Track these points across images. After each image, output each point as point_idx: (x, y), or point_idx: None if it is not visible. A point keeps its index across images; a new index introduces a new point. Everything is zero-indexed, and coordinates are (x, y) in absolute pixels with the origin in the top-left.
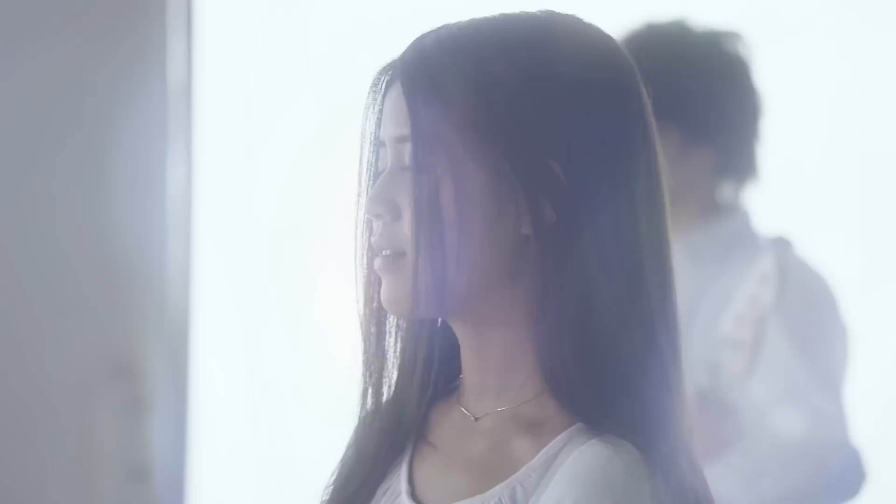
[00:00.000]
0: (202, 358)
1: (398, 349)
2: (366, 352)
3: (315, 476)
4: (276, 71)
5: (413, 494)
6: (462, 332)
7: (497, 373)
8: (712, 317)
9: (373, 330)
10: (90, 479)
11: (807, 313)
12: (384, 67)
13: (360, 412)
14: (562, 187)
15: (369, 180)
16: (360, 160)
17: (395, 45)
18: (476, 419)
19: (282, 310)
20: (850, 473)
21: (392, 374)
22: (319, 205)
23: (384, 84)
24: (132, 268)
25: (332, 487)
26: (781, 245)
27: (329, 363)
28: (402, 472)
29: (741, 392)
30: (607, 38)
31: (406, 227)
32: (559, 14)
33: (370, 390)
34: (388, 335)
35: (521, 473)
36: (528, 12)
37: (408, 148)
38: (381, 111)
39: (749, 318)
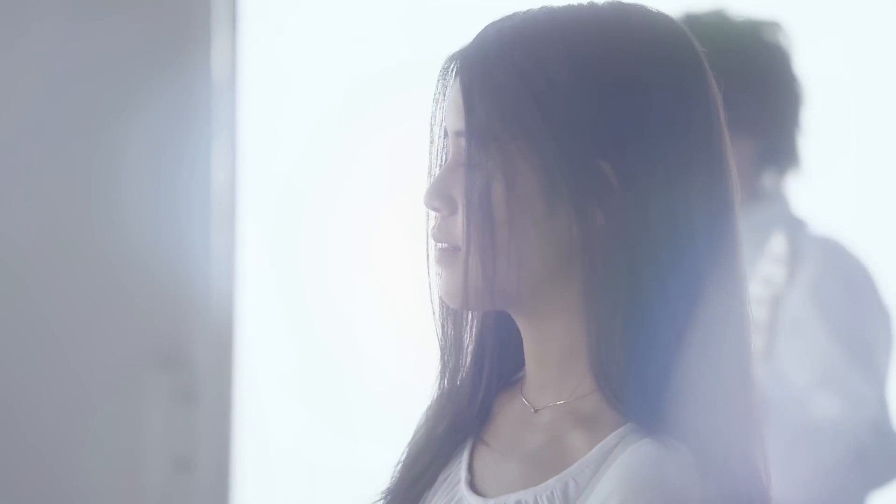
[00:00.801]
0: (248, 350)
1: (474, 335)
2: (443, 336)
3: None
4: (319, 65)
5: (471, 483)
6: (522, 325)
7: (556, 366)
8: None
9: (449, 315)
10: (136, 469)
11: (842, 295)
12: (453, 54)
13: (436, 394)
14: (612, 189)
15: (435, 169)
16: (429, 148)
17: (437, 38)
18: (536, 411)
19: (326, 301)
20: (887, 458)
21: (466, 360)
22: (364, 196)
23: (452, 71)
24: (178, 260)
25: (400, 465)
26: (794, 224)
27: (374, 355)
28: (463, 459)
29: (766, 374)
30: (676, 30)
31: (460, 222)
32: (626, 6)
33: (447, 374)
34: (465, 320)
35: (575, 468)
36: (594, 4)
37: (464, 141)
38: (447, 99)
39: (763, 298)
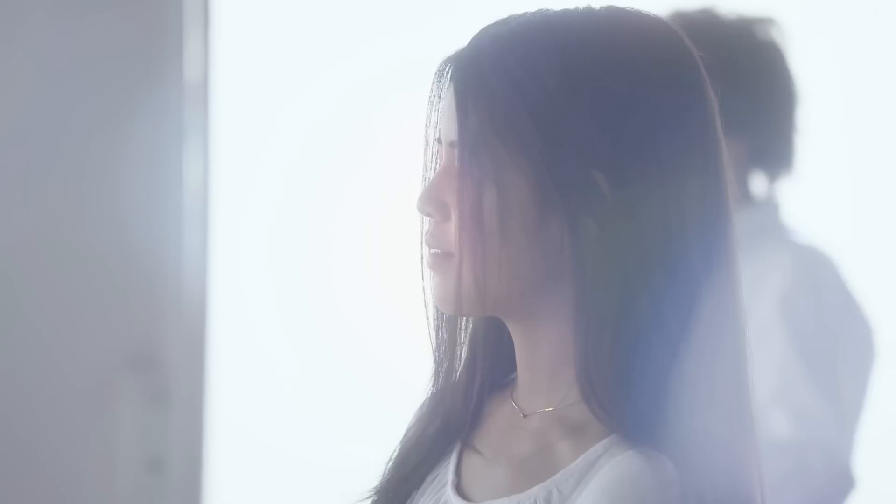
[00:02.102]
0: (220, 351)
1: (467, 337)
2: (436, 338)
3: (330, 469)
4: (293, 66)
5: (458, 486)
6: (514, 331)
7: (546, 373)
8: None
9: (443, 318)
10: (109, 470)
11: (808, 309)
12: (448, 58)
13: (428, 395)
14: (605, 199)
15: (428, 174)
16: (423, 152)
17: (415, 42)
18: (525, 416)
19: (298, 302)
20: (834, 478)
21: (459, 362)
22: (336, 198)
23: (447, 75)
24: (150, 262)
25: (391, 464)
26: (778, 231)
27: (347, 355)
28: (452, 462)
29: None
30: (672, 36)
31: (453, 229)
32: (621, 11)
33: (440, 376)
34: (458, 323)
35: (559, 477)
36: (590, 8)
37: (457, 149)
38: (440, 105)
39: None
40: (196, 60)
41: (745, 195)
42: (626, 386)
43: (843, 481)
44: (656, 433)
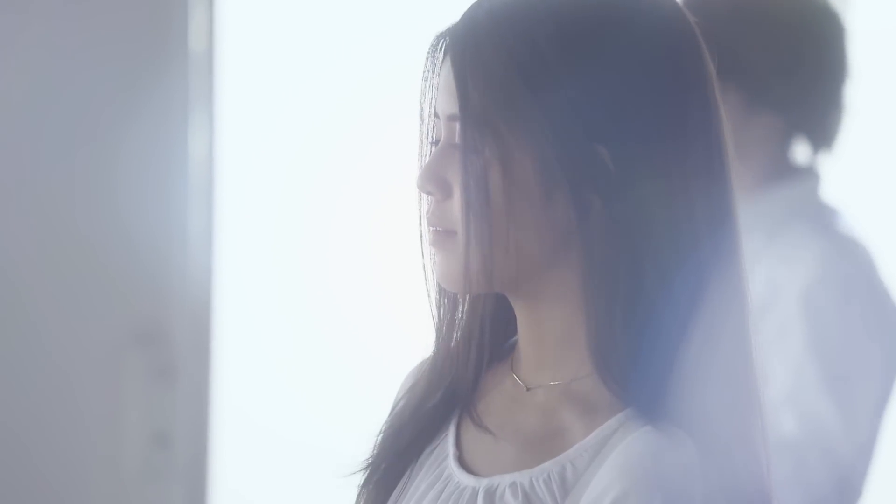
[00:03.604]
0: (226, 326)
1: (468, 312)
2: (438, 314)
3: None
4: (297, 37)
5: (460, 459)
6: (518, 306)
7: (552, 348)
8: (757, 296)
9: (444, 295)
10: (115, 445)
11: (836, 310)
12: (442, 32)
13: (426, 368)
14: (609, 173)
15: (426, 152)
16: (420, 130)
17: (424, 19)
18: (528, 389)
19: (305, 276)
20: (837, 484)
21: (461, 335)
22: (345, 172)
23: (441, 50)
24: (156, 236)
25: (382, 437)
26: (819, 213)
27: (353, 331)
28: (450, 434)
29: None
30: (668, 6)
31: (456, 206)
32: None
33: (441, 349)
34: (459, 299)
35: (573, 452)
36: None
37: (458, 126)
38: (437, 80)
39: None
40: (201, 31)
41: (782, 170)
42: (640, 360)
43: (846, 488)
44: (671, 407)
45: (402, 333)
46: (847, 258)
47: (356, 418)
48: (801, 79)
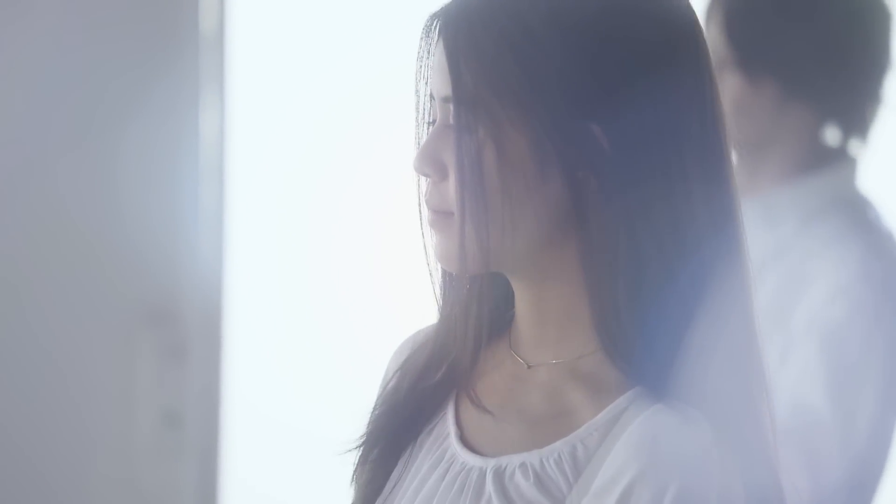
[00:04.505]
0: (237, 305)
1: (469, 291)
2: (441, 294)
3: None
4: (309, 16)
5: (462, 438)
6: (517, 285)
7: (554, 326)
8: (779, 288)
9: (445, 275)
10: (126, 424)
11: (871, 308)
12: (436, 13)
13: (428, 348)
14: (603, 152)
15: (422, 133)
16: (415, 111)
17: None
18: (529, 367)
19: (316, 257)
20: (849, 475)
21: (462, 315)
22: (355, 155)
23: (435, 30)
24: (167, 215)
25: (379, 412)
26: (853, 204)
27: (362, 311)
28: (449, 413)
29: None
30: None
31: (452, 187)
32: None
33: (446, 327)
34: (460, 278)
35: (583, 431)
36: None
37: (452, 107)
38: (431, 61)
39: (781, 291)
40: (211, 13)
41: (816, 159)
42: (646, 336)
43: (858, 481)
44: (679, 386)
45: (411, 314)
46: (885, 254)
47: (367, 397)
48: (845, 73)
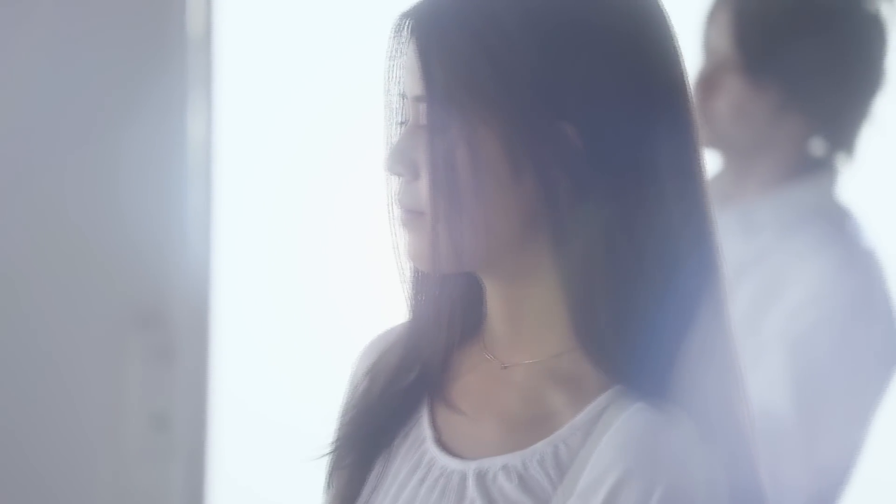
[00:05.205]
0: (225, 308)
1: (441, 292)
2: (413, 295)
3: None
4: (296, 18)
5: (439, 442)
6: (490, 285)
7: (528, 326)
8: (755, 295)
9: (417, 275)
10: (114, 427)
11: (839, 331)
12: (406, 12)
13: (399, 350)
14: (576, 152)
15: (393, 133)
16: (386, 111)
17: None
18: (504, 368)
19: (303, 259)
20: (812, 485)
21: (434, 316)
22: (344, 155)
23: (406, 29)
24: (155, 218)
25: (352, 416)
26: (829, 215)
27: (350, 313)
28: (424, 416)
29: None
30: None
31: (424, 187)
32: None
33: (416, 330)
34: (432, 278)
35: (565, 431)
36: None
37: (424, 107)
38: (402, 60)
39: (756, 299)
40: (199, 17)
41: (800, 170)
42: (624, 335)
43: (821, 490)
44: (659, 384)
45: (398, 317)
46: (857, 266)
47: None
48: (844, 89)
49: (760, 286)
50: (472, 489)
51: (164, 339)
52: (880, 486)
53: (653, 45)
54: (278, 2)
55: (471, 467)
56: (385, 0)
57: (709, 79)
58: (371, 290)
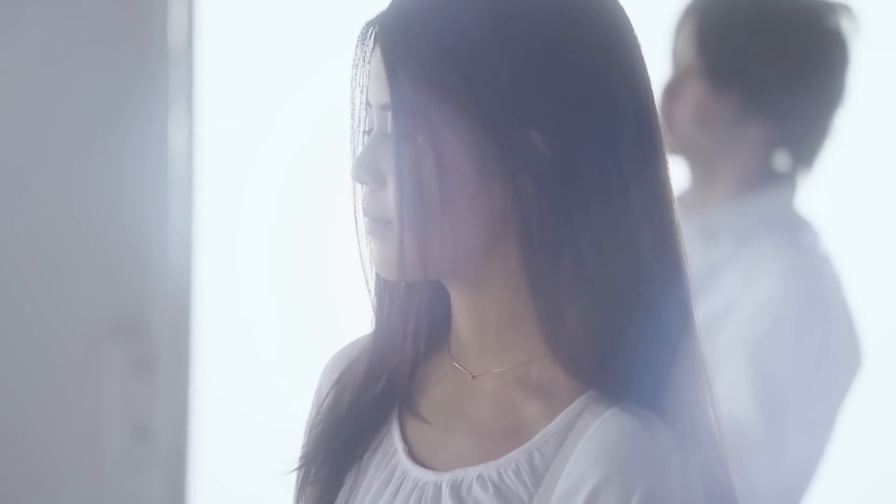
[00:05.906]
0: (206, 319)
1: (407, 301)
2: (378, 304)
3: None
4: (277, 32)
5: (410, 453)
6: (456, 294)
7: (496, 334)
8: (714, 304)
9: (383, 284)
10: (95, 439)
11: (793, 334)
12: (371, 20)
13: (365, 360)
14: (542, 158)
15: (358, 141)
16: (351, 119)
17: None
18: (473, 377)
19: (284, 271)
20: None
21: (400, 325)
22: (323, 166)
23: (371, 37)
24: (136, 228)
25: (320, 430)
26: (788, 225)
27: (333, 323)
28: (394, 428)
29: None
30: None
31: (390, 195)
32: None
33: (380, 340)
34: (398, 288)
35: (538, 439)
36: None
37: (390, 115)
38: (368, 69)
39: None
40: (181, 26)
41: (760, 179)
42: (594, 340)
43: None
44: (630, 389)
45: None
46: (809, 272)
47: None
48: (803, 100)
49: (719, 294)
50: (446, 500)
51: (145, 350)
52: (881, 486)
53: (619, 53)
54: (260, 13)
55: (444, 478)
56: (366, 11)
57: (673, 85)
58: (352, 299)
